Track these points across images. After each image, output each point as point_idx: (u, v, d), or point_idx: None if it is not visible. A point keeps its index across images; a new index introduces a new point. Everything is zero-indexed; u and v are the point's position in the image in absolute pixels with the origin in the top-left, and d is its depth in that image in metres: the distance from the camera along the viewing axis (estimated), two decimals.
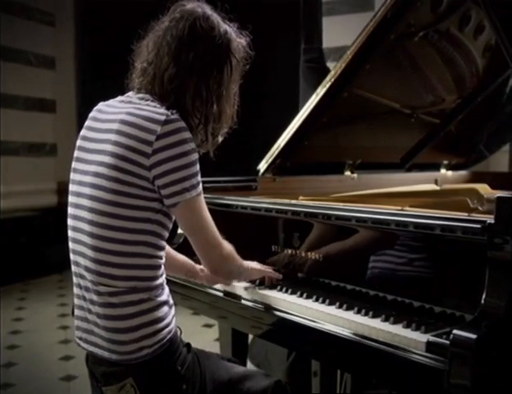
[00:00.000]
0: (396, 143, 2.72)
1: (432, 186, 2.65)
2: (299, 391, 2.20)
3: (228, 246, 1.46)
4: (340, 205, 1.63)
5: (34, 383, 3.14)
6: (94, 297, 1.33)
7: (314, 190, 2.28)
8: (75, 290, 1.41)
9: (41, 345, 3.76)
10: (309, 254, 1.61)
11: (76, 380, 3.13)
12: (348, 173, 2.52)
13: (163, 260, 1.40)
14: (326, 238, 1.61)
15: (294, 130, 2.15)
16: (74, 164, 1.42)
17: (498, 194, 1.16)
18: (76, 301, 1.42)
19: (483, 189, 2.41)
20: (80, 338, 1.41)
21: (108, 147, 1.33)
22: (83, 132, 1.43)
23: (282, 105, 3.50)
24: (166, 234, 1.39)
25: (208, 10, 1.43)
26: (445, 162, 3.00)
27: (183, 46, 1.37)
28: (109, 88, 4.48)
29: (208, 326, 3.91)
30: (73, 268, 1.40)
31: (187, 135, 1.32)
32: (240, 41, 1.46)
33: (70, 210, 1.41)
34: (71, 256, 1.41)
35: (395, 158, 2.78)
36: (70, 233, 1.41)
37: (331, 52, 4.34)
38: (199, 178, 1.35)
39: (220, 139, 1.50)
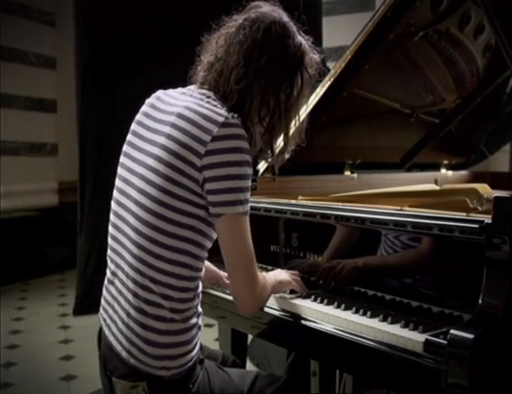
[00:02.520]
0: (396, 143, 2.71)
1: (431, 186, 2.65)
2: (299, 390, 2.20)
3: (262, 280, 1.35)
4: (339, 205, 1.63)
5: (33, 383, 3.14)
6: (130, 296, 1.28)
7: (314, 189, 2.28)
8: (108, 273, 1.37)
9: (41, 344, 3.76)
10: (308, 254, 1.62)
11: (76, 380, 3.14)
12: (348, 173, 2.51)
13: (202, 272, 1.34)
14: (324, 238, 1.61)
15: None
16: (125, 148, 1.37)
17: (496, 194, 1.16)
18: (106, 284, 1.37)
19: (483, 189, 2.41)
20: (104, 320, 1.37)
21: (162, 139, 1.27)
22: (139, 117, 1.38)
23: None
24: (209, 244, 1.32)
25: (285, 17, 1.36)
26: (446, 162, 3.00)
27: (256, 47, 1.30)
28: (110, 88, 4.46)
29: (209, 326, 3.90)
30: (109, 252, 1.36)
31: (245, 144, 1.24)
32: (313, 56, 1.39)
33: (115, 194, 1.37)
34: (110, 241, 1.36)
35: (395, 157, 2.78)
36: (112, 217, 1.36)
37: (331, 52, 4.35)
38: (248, 196, 1.26)
39: (286, 156, 1.44)
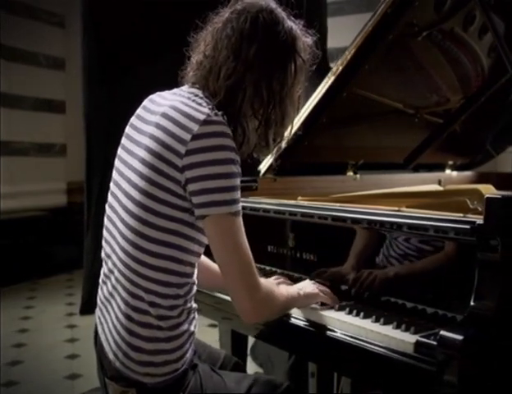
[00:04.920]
0: (400, 143, 2.70)
1: (434, 187, 2.63)
2: (300, 391, 2.20)
3: (266, 286, 1.25)
4: (337, 206, 1.62)
5: (37, 381, 3.17)
6: (119, 301, 1.27)
7: (316, 190, 2.27)
8: (102, 274, 1.35)
9: (47, 343, 3.79)
10: (304, 254, 1.61)
11: (80, 379, 3.16)
12: (350, 174, 2.51)
13: (193, 278, 1.30)
14: (319, 238, 1.61)
15: (293, 130, 2.14)
16: (119, 151, 1.35)
17: (487, 195, 1.15)
18: (101, 283, 1.35)
19: (487, 189, 2.38)
20: (99, 318, 1.36)
21: (146, 140, 1.25)
22: (132, 120, 1.36)
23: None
24: (198, 249, 1.27)
25: (273, 3, 1.32)
26: (450, 162, 2.98)
27: (244, 39, 1.26)
28: (117, 88, 4.47)
29: (213, 326, 3.91)
30: (103, 254, 1.35)
31: (228, 142, 1.19)
32: (305, 40, 1.34)
33: (108, 198, 1.35)
34: (103, 243, 1.34)
35: (398, 158, 2.77)
36: (105, 221, 1.35)
37: (338, 53, 4.34)
38: (236, 195, 1.19)
39: (283, 145, 1.39)
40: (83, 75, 4.41)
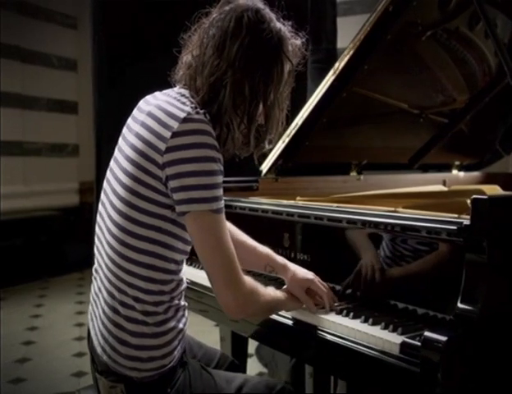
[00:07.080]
0: (404, 143, 2.68)
1: (439, 187, 2.61)
2: (299, 391, 2.19)
3: (249, 283, 1.25)
4: (332, 206, 1.61)
5: (44, 379, 3.21)
6: (106, 295, 1.29)
7: (317, 190, 2.26)
8: (93, 270, 1.37)
9: (56, 341, 3.83)
10: (297, 254, 1.61)
11: (87, 376, 3.17)
12: (354, 174, 2.49)
13: (178, 276, 1.31)
14: (314, 238, 1.60)
15: (294, 130, 2.14)
16: (115, 152, 1.37)
17: (474, 196, 1.14)
18: (92, 279, 1.37)
19: (493, 190, 2.35)
20: (90, 313, 1.37)
21: (133, 139, 1.28)
22: (128, 120, 1.38)
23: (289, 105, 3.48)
24: (182, 246, 1.28)
25: (260, 4, 1.32)
26: (457, 162, 2.94)
27: (227, 37, 1.27)
28: (126, 88, 4.48)
29: (217, 325, 3.91)
30: (94, 249, 1.36)
31: (208, 139, 1.20)
32: (294, 42, 1.34)
33: (101, 195, 1.36)
34: (95, 239, 1.36)
35: (403, 158, 2.74)
36: (97, 217, 1.37)
37: None
38: (217, 193, 1.20)
39: (266, 145, 1.38)
40: (93, 77, 4.45)
